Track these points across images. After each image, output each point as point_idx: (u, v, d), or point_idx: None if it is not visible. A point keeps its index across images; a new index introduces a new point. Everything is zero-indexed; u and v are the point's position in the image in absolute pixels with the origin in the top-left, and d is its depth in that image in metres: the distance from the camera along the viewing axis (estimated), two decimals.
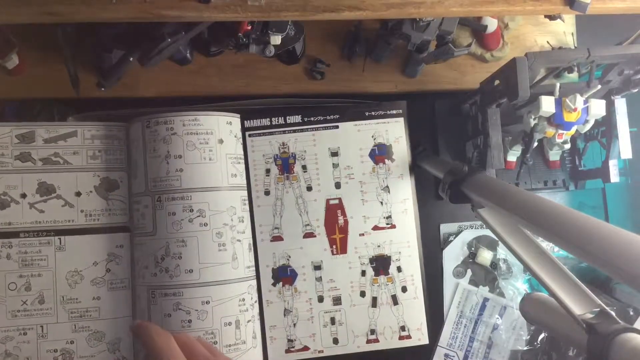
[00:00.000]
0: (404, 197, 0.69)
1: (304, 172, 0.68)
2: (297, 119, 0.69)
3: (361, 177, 0.68)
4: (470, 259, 0.81)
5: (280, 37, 0.67)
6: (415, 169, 0.74)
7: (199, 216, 0.60)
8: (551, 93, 0.64)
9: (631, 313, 0.76)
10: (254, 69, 0.78)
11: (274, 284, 0.66)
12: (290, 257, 0.67)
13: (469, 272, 0.81)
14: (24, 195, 0.64)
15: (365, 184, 0.68)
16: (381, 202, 0.68)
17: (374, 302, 0.68)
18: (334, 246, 0.67)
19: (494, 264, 0.81)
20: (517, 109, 0.70)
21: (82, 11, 0.53)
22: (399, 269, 0.69)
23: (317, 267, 0.67)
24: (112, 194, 0.66)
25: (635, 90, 0.68)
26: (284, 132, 0.68)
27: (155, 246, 0.61)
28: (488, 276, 0.82)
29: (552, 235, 0.43)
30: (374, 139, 0.69)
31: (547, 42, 0.82)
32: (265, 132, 0.68)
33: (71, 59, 0.70)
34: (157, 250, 0.61)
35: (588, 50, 0.61)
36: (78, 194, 0.65)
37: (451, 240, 0.81)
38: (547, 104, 0.63)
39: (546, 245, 0.67)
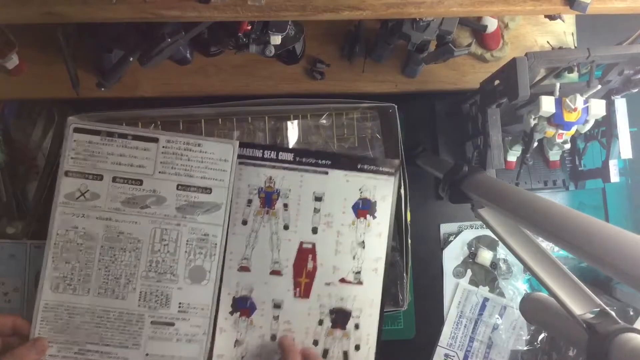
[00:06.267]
0: (377, 256, 0.67)
1: (285, 210, 0.67)
2: (289, 156, 0.68)
3: (340, 227, 0.67)
4: (470, 259, 0.81)
5: (280, 37, 0.67)
6: (409, 169, 0.74)
7: None
8: (551, 93, 0.64)
9: (631, 313, 0.76)
10: (254, 69, 0.78)
11: (231, 313, 0.65)
12: (253, 289, 0.66)
13: (469, 272, 0.81)
14: None
15: (342, 235, 0.67)
16: (354, 257, 0.67)
17: (325, 354, 0.67)
18: (298, 289, 0.66)
19: (494, 264, 0.81)
20: (517, 109, 0.70)
21: (82, 11, 0.53)
22: (356, 326, 0.67)
23: (277, 306, 0.66)
24: None
25: (635, 90, 0.68)
26: (274, 167, 0.67)
27: None
28: (488, 276, 0.82)
29: (552, 235, 0.43)
30: (361, 193, 0.68)
31: (547, 42, 0.82)
32: (256, 164, 0.67)
33: (71, 59, 0.70)
34: None
35: (588, 50, 0.61)
36: None
37: (451, 240, 0.81)
38: (547, 104, 0.63)
39: (546, 245, 0.67)
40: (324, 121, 0.78)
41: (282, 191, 0.67)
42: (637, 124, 0.78)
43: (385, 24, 0.71)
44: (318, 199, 0.67)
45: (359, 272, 0.67)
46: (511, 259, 0.81)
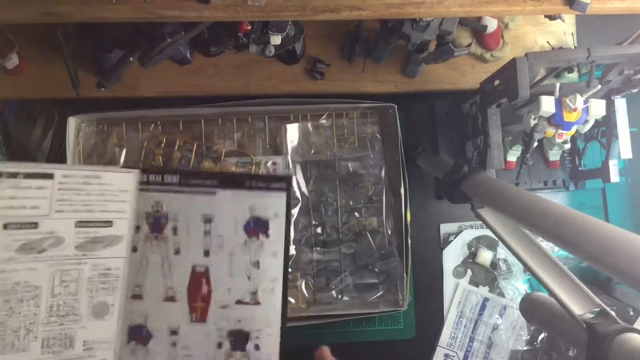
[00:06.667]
0: (273, 276, 0.66)
1: (174, 234, 0.65)
2: (175, 179, 0.66)
3: (232, 248, 0.66)
4: (470, 259, 0.81)
5: (280, 37, 0.67)
6: (409, 169, 0.74)
7: None
8: (551, 93, 0.64)
9: (631, 313, 0.76)
10: (254, 69, 0.78)
11: (127, 342, 0.64)
12: (147, 317, 0.64)
13: (469, 272, 0.81)
14: None
15: (235, 255, 0.66)
16: (248, 277, 0.66)
17: None
18: (194, 314, 0.65)
19: (494, 264, 0.81)
20: (517, 109, 0.70)
21: (82, 11, 0.53)
22: (256, 347, 0.66)
23: (174, 332, 0.65)
24: None
25: (635, 90, 0.68)
26: (160, 190, 0.66)
27: None
28: (488, 276, 0.82)
29: (552, 235, 0.43)
30: (251, 211, 0.66)
31: (547, 42, 0.82)
32: (142, 188, 0.65)
33: (71, 59, 0.70)
34: None
35: (588, 50, 0.61)
36: None
37: (451, 240, 0.81)
38: (547, 104, 0.63)
39: (546, 245, 0.67)
40: (324, 121, 0.78)
41: (171, 215, 0.65)
42: (637, 124, 0.78)
43: (385, 24, 0.71)
44: (208, 220, 0.66)
45: (255, 293, 0.66)
46: (511, 259, 0.81)
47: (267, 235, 0.67)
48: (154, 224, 0.66)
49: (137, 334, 0.64)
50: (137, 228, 0.65)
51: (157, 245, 0.65)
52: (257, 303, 0.66)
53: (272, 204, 0.67)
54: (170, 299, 0.65)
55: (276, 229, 0.67)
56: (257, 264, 0.66)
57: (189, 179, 0.66)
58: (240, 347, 0.66)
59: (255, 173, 0.73)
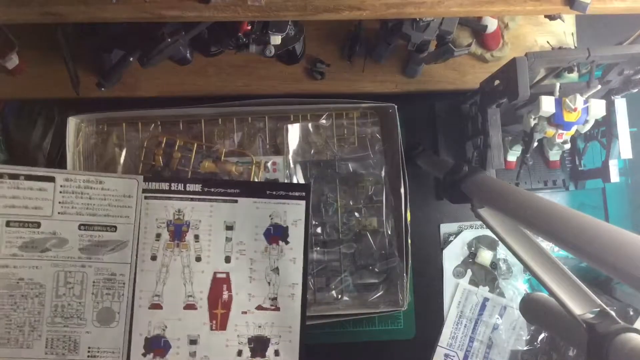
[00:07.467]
0: (293, 282, 0.67)
1: (196, 241, 0.66)
2: (197, 187, 0.66)
3: (253, 254, 0.67)
4: (470, 259, 0.81)
5: (280, 37, 0.67)
6: (409, 169, 0.74)
7: None
8: (551, 93, 0.64)
9: (631, 313, 0.76)
10: (254, 69, 0.78)
11: (144, 354, 0.63)
12: (166, 327, 0.64)
13: (469, 272, 0.81)
14: None
15: (256, 262, 0.67)
16: (269, 283, 0.67)
17: None
18: (214, 321, 0.65)
19: (494, 264, 0.81)
20: (517, 109, 0.70)
21: (82, 11, 0.53)
22: (276, 353, 0.66)
23: (193, 342, 0.64)
24: None
25: (635, 90, 0.68)
26: (182, 198, 0.66)
27: None
28: (488, 276, 0.82)
29: (552, 236, 0.43)
30: (271, 219, 0.67)
31: (547, 42, 0.82)
32: (163, 197, 0.66)
33: (71, 59, 0.70)
34: None
35: (588, 50, 0.61)
36: None
37: (451, 240, 0.81)
38: (547, 104, 0.63)
39: (546, 245, 0.67)
40: (324, 121, 0.78)
41: (192, 222, 0.66)
42: (637, 124, 0.78)
43: (385, 24, 0.71)
44: (229, 227, 0.66)
45: (275, 298, 0.67)
46: (511, 259, 0.81)
47: (286, 242, 0.68)
48: (175, 231, 0.66)
49: (155, 346, 0.64)
50: (158, 236, 0.65)
51: (178, 253, 0.66)
52: (277, 309, 0.67)
53: (291, 211, 0.68)
54: (191, 307, 0.65)
55: (296, 235, 0.68)
56: (277, 270, 0.67)
57: (211, 187, 0.67)
58: (260, 354, 0.66)
59: (275, 182, 0.73)
